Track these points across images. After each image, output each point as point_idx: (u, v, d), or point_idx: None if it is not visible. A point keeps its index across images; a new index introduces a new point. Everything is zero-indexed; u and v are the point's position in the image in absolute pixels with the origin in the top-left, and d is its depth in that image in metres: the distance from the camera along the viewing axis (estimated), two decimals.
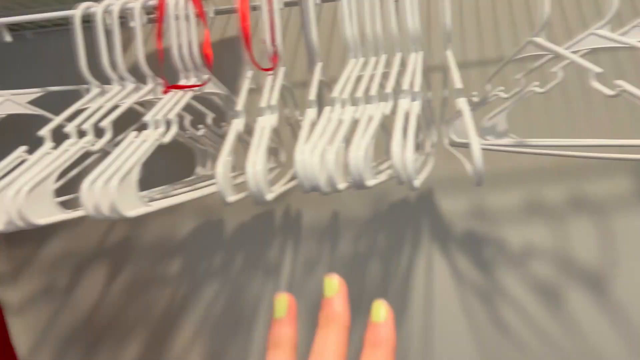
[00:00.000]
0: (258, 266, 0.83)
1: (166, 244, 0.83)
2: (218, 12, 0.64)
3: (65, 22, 0.57)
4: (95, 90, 0.55)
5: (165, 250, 0.84)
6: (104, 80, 0.56)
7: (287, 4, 0.55)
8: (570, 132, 0.77)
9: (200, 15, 0.51)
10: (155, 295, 0.84)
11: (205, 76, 0.54)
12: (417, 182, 0.44)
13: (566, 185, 0.78)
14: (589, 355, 0.80)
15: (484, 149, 0.54)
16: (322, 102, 0.51)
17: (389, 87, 0.48)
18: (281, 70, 0.53)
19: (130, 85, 0.55)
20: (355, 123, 0.46)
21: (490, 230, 0.80)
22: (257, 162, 0.43)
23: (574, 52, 0.50)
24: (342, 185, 0.43)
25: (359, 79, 0.50)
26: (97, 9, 0.52)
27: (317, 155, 0.42)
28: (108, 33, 0.53)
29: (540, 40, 0.51)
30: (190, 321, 0.84)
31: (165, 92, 0.52)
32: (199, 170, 0.70)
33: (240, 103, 0.50)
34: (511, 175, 0.79)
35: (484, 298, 0.81)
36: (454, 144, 0.65)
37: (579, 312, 0.79)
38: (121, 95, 0.54)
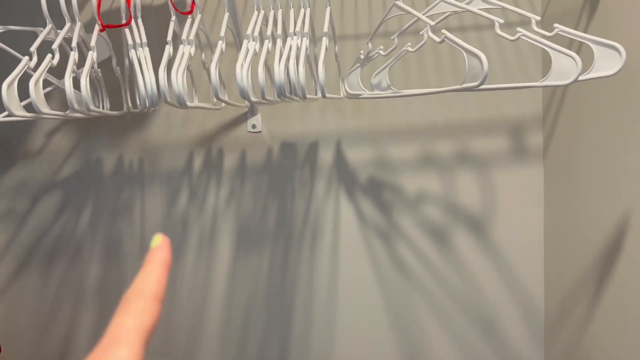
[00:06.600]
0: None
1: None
2: None
3: None
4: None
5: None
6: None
7: None
8: (440, 82, 0.92)
9: None
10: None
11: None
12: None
13: (455, 141, 0.93)
14: (473, 289, 0.94)
15: (370, 97, 0.68)
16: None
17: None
18: (198, 16, 0.66)
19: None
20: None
21: (390, 177, 0.94)
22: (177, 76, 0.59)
23: (427, 15, 0.64)
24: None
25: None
26: None
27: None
28: None
29: (400, 3, 0.64)
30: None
31: (102, 30, 0.66)
32: None
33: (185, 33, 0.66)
34: (408, 131, 0.93)
35: (383, 237, 0.95)
36: (349, 96, 0.78)
37: (464, 251, 0.94)
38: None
